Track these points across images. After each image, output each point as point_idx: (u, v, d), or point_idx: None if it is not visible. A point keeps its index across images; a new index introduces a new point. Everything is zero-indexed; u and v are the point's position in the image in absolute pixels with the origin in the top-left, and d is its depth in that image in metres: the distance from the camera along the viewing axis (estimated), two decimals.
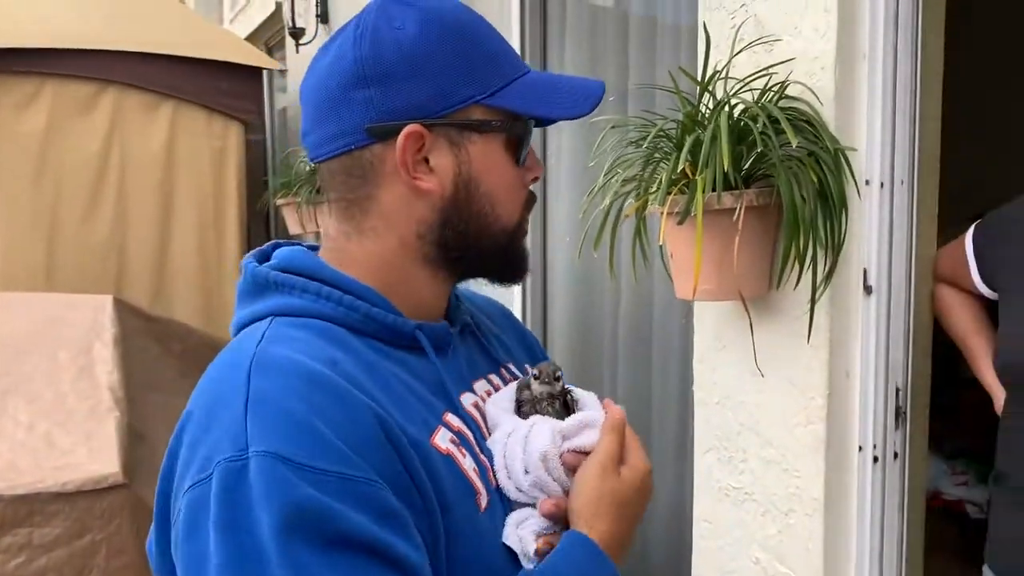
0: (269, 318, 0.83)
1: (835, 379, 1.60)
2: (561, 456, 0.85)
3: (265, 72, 4.94)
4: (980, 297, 1.60)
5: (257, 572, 0.67)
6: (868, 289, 1.58)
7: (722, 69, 1.61)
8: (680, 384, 2.25)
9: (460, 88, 0.84)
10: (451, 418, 0.84)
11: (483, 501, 0.82)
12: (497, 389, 0.95)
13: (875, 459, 1.62)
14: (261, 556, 0.67)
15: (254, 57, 4.74)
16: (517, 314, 2.83)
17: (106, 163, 4.40)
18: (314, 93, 0.86)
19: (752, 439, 1.76)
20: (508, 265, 0.93)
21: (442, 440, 0.81)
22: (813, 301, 1.53)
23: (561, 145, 2.75)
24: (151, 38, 4.44)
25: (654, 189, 1.55)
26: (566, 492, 0.85)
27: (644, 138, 1.62)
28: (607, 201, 1.64)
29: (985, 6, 3.16)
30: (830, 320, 1.58)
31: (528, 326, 2.79)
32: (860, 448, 1.62)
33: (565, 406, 0.92)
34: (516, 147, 0.88)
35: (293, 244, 0.93)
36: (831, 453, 1.62)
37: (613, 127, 1.72)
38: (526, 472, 0.84)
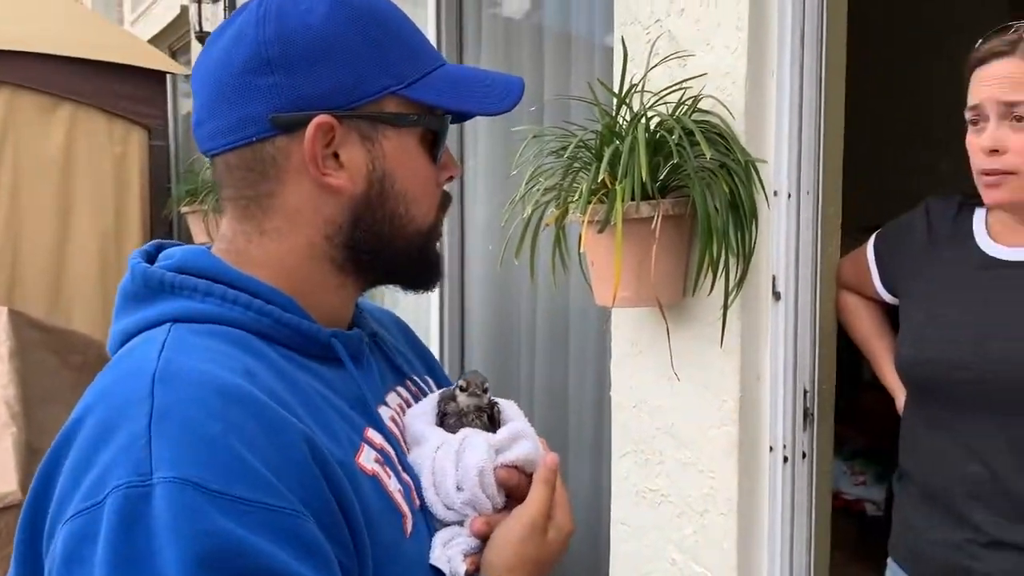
0: (167, 324, 0.72)
1: (747, 382, 1.66)
2: (494, 471, 0.81)
3: (169, 76, 4.81)
4: (882, 302, 1.68)
5: None
6: (777, 295, 1.65)
7: (638, 82, 1.66)
8: (597, 389, 2.29)
9: (374, 77, 0.77)
10: (372, 435, 0.78)
11: (409, 525, 0.76)
12: (408, 403, 0.90)
13: (785, 459, 1.69)
14: None
15: (158, 61, 4.61)
16: (434, 323, 2.83)
17: (0, 162, 4.20)
18: (210, 78, 0.77)
19: (668, 442, 1.81)
20: (422, 270, 0.86)
21: (367, 460, 0.74)
22: (726, 307, 1.59)
23: (478, 152, 2.77)
24: (47, 38, 4.26)
25: (575, 198, 1.58)
26: (496, 509, 0.81)
27: (564, 148, 1.65)
28: (529, 210, 1.66)
29: (886, 28, 3.33)
30: (741, 325, 1.64)
31: (446, 334, 2.80)
32: (771, 448, 1.68)
33: (491, 419, 0.87)
34: (433, 143, 0.82)
35: (180, 244, 0.84)
36: (744, 454, 1.68)
37: (534, 137, 1.74)
38: (459, 489, 0.79)
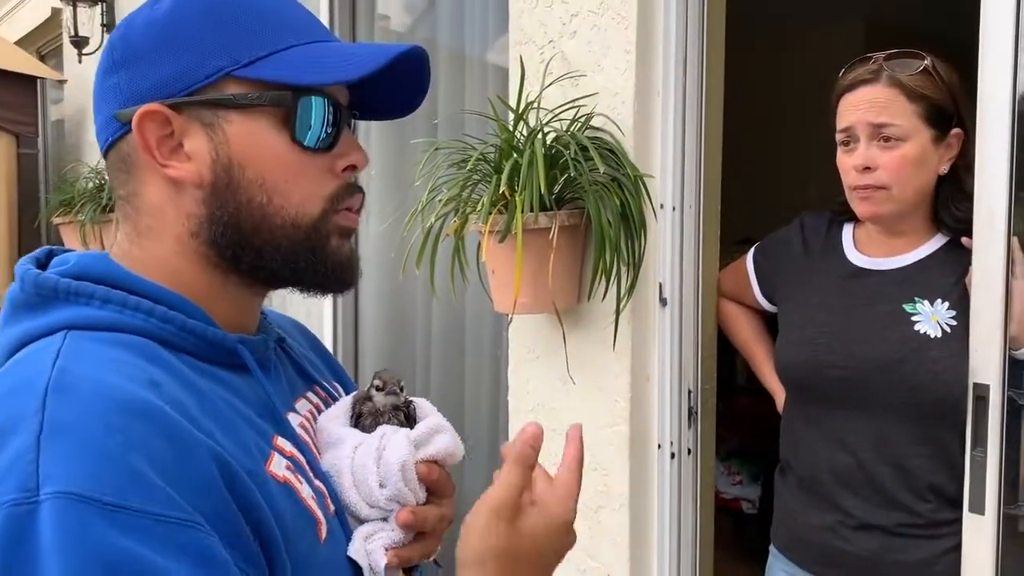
0: (61, 332, 0.68)
1: (637, 383, 1.76)
2: (415, 467, 0.80)
3: (39, 81, 4.61)
4: (760, 310, 1.81)
5: None
6: (663, 301, 1.76)
7: (534, 100, 1.74)
8: (494, 395, 2.35)
9: (207, 60, 0.72)
10: (282, 443, 0.75)
11: (323, 531, 0.73)
12: (318, 408, 0.87)
13: (672, 455, 1.80)
14: None
15: (30, 66, 4.42)
16: (328, 331, 2.83)
17: None
18: (93, 88, 0.79)
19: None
20: (312, 270, 0.77)
21: (277, 468, 0.72)
22: (617, 312, 1.68)
23: (372, 162, 2.80)
24: None
25: (478, 209, 1.65)
26: (419, 503, 0.80)
27: (465, 161, 1.72)
28: (431, 220, 1.72)
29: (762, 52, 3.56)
30: (632, 330, 1.74)
31: (340, 342, 2.81)
32: (659, 446, 1.79)
33: (407, 417, 0.86)
34: (290, 123, 0.75)
35: (73, 251, 0.80)
36: (634, 451, 1.78)
37: (436, 149, 1.80)
38: (381, 487, 0.78)
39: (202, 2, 0.74)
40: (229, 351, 0.75)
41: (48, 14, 5.02)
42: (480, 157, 1.70)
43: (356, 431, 0.83)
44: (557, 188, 1.68)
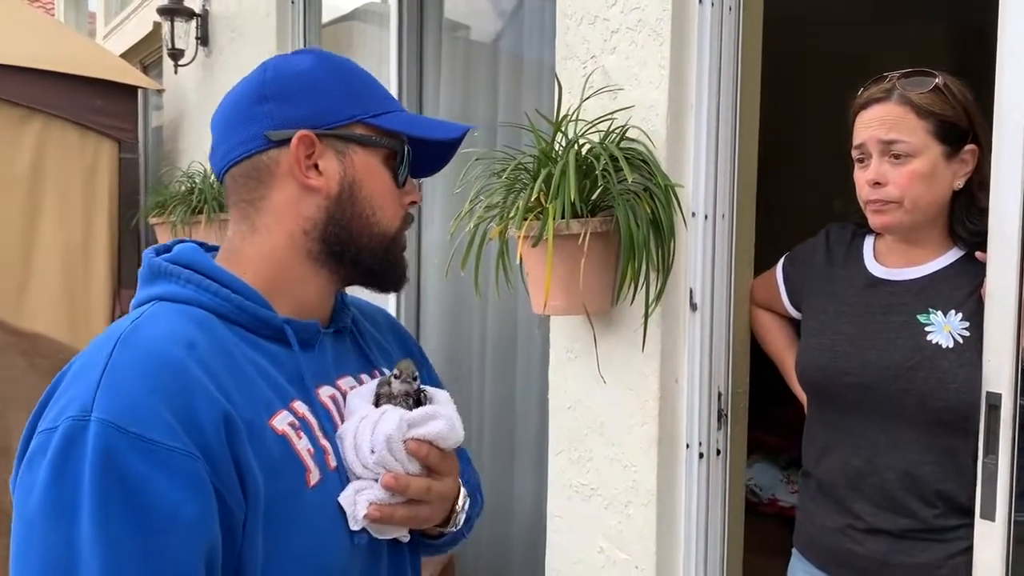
0: (154, 301, 0.95)
1: (666, 384, 1.83)
2: (406, 442, 0.97)
3: (140, 91, 4.92)
4: (791, 320, 1.86)
5: (67, 519, 0.79)
6: (694, 306, 1.83)
7: (573, 112, 1.83)
8: (539, 392, 2.45)
9: (345, 108, 1.00)
10: (298, 405, 0.95)
11: (312, 478, 0.92)
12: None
13: (700, 455, 1.87)
14: (75, 505, 0.79)
15: (132, 76, 4.72)
16: None
17: None
18: (223, 116, 1.02)
19: (597, 440, 1.97)
20: (386, 271, 1.05)
21: (280, 422, 0.92)
22: (646, 316, 1.76)
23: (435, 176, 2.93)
24: (19, 51, 4.37)
25: (512, 215, 1.75)
26: (409, 473, 0.97)
27: (505, 170, 1.82)
28: (472, 225, 1.83)
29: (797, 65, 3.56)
30: (661, 333, 1.81)
31: None
32: (688, 445, 1.86)
33: (418, 403, 1.03)
34: (395, 163, 1.03)
35: (198, 246, 1.04)
36: (663, 450, 1.85)
37: (477, 159, 1.91)
38: (372, 452, 0.96)
39: (334, 64, 1.03)
40: (276, 328, 0.98)
41: (150, 28, 5.35)
42: (519, 166, 1.81)
43: (369, 406, 1.01)
44: (594, 196, 1.77)
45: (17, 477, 0.87)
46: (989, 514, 1.42)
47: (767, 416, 3.11)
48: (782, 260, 1.82)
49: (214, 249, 1.06)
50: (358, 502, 0.95)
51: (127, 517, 0.80)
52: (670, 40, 1.78)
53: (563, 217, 1.69)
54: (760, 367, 1.95)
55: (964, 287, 1.48)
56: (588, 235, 1.70)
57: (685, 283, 1.82)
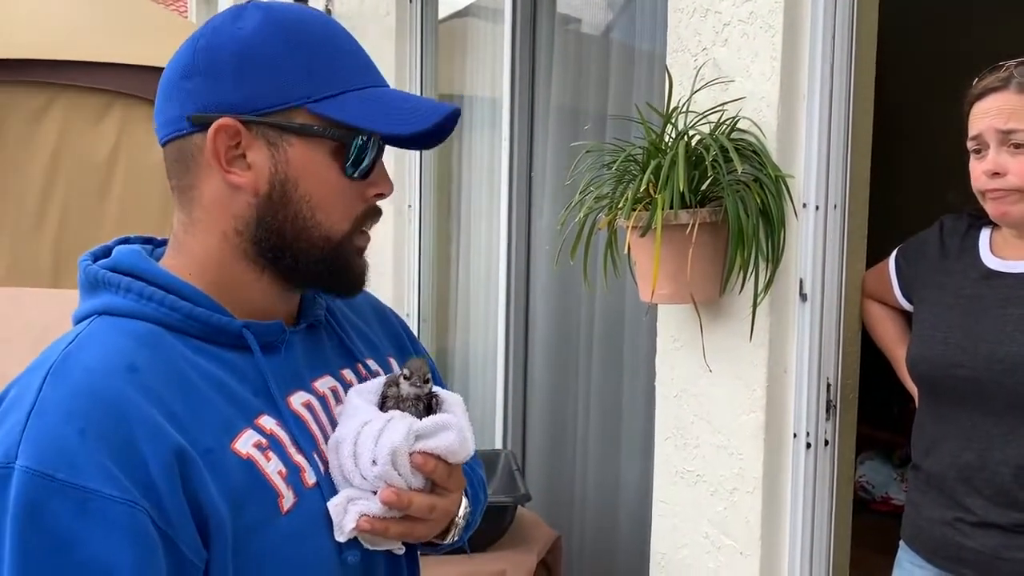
0: (93, 316, 0.84)
1: (773, 374, 1.85)
2: (411, 456, 0.86)
3: None
4: (903, 312, 1.84)
5: None
6: (804, 296, 1.84)
7: (683, 104, 1.87)
8: (646, 380, 2.49)
9: (282, 90, 0.83)
10: (264, 421, 0.84)
11: (286, 503, 0.82)
12: (349, 384, 0.95)
13: (808, 445, 1.88)
14: None
15: None
16: (501, 322, 3.07)
17: (113, 171, 4.62)
18: (161, 80, 0.88)
19: (704, 427, 2.01)
20: (334, 276, 0.90)
21: (244, 445, 0.81)
22: (755, 305, 1.78)
23: (547, 164, 3.01)
24: (160, 53, 4.67)
25: (621, 205, 1.80)
26: (412, 488, 0.87)
27: (615, 161, 1.88)
28: (581, 215, 1.89)
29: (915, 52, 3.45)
30: (770, 322, 1.83)
31: (510, 328, 3.04)
32: (795, 435, 1.87)
33: (428, 408, 0.92)
34: (343, 156, 0.86)
35: (146, 241, 0.94)
36: (770, 439, 1.87)
37: (588, 151, 1.97)
38: (373, 463, 0.85)
39: (284, 32, 0.84)
40: (235, 335, 0.86)
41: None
42: (629, 158, 1.85)
43: (373, 408, 0.90)
44: (703, 187, 1.80)
45: None
46: None
47: (881, 412, 3.05)
48: (895, 252, 1.80)
49: (165, 243, 0.94)
50: (349, 511, 0.85)
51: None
52: (782, 31, 1.79)
53: (672, 207, 1.73)
54: (874, 361, 1.93)
55: None
56: (697, 225, 1.73)
57: (795, 273, 1.83)
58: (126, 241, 0.93)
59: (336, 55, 0.86)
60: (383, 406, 0.91)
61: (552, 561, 2.46)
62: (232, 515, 0.78)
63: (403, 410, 0.90)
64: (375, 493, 0.85)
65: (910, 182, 3.71)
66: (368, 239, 0.93)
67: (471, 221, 3.50)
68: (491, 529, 2.30)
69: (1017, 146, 1.46)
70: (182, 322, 0.84)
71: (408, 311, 3.66)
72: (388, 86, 0.91)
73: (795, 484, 1.87)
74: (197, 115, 0.83)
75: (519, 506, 2.41)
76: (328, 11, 4.06)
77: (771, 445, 1.87)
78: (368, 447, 0.85)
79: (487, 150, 3.34)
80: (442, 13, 3.74)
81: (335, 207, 0.87)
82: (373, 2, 3.80)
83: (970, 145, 1.52)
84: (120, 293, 0.84)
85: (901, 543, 1.72)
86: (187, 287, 0.85)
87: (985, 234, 1.62)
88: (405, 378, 0.91)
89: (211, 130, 0.83)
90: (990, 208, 1.52)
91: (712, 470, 1.99)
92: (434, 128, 0.88)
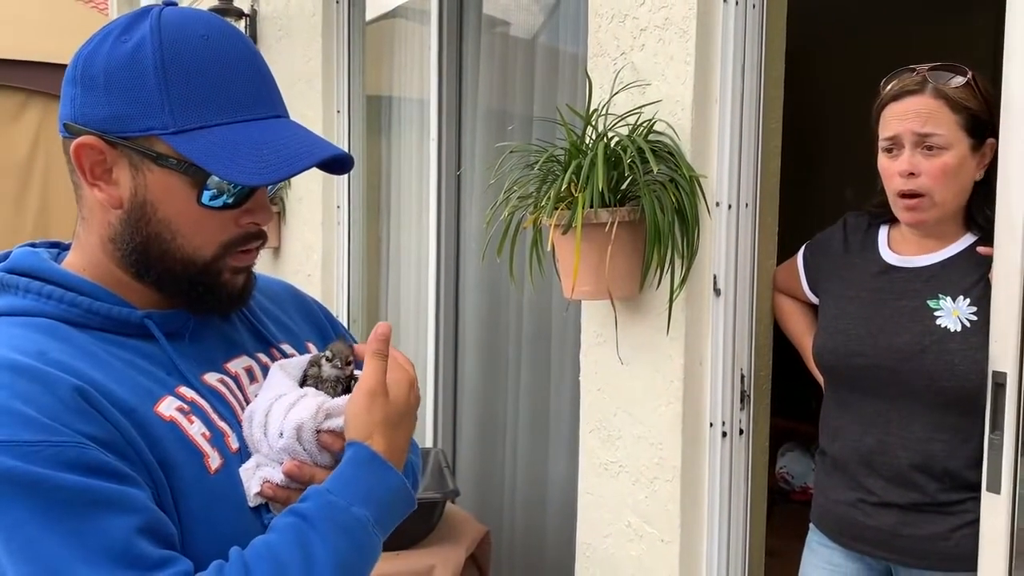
0: None
1: (690, 366, 1.92)
2: (320, 433, 0.89)
3: None
4: (811, 306, 1.93)
5: None
6: (717, 291, 1.91)
7: (602, 107, 1.93)
8: (573, 375, 2.55)
9: (144, 117, 0.84)
10: (184, 390, 0.88)
11: (213, 464, 0.86)
12: (265, 366, 0.99)
13: (724, 434, 1.96)
14: None
15: None
16: (431, 316, 3.10)
17: (32, 169, 4.51)
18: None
19: (625, 419, 2.07)
20: (201, 296, 0.92)
21: (166, 408, 0.85)
22: (671, 301, 1.85)
23: (475, 164, 3.05)
24: (70, 49, 4.57)
25: (543, 204, 1.85)
26: (317, 465, 0.90)
27: (538, 162, 1.93)
28: (506, 213, 1.94)
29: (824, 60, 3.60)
30: (686, 317, 1.90)
31: (440, 327, 3.07)
32: (711, 424, 1.95)
33: (347, 390, 0.94)
34: (198, 190, 0.87)
35: (52, 245, 0.97)
36: (687, 429, 1.94)
37: (512, 152, 2.02)
38: (280, 435, 0.88)
39: (161, 55, 0.84)
40: (137, 325, 0.89)
41: None
42: (551, 158, 1.91)
43: (290, 383, 0.94)
44: (623, 187, 1.86)
45: None
46: (995, 487, 1.49)
47: (801, 404, 3.17)
48: (803, 248, 1.89)
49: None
50: (255, 477, 0.89)
51: (34, 512, 0.75)
52: (695, 37, 1.86)
53: (592, 206, 1.79)
54: (795, 355, 2.01)
55: (972, 274, 1.54)
56: (616, 223, 1.80)
57: (709, 269, 1.91)
58: (32, 247, 0.95)
59: (212, 84, 0.86)
60: (303, 384, 0.94)
61: (481, 555, 2.50)
62: (167, 473, 0.82)
63: (322, 390, 0.93)
64: (280, 463, 0.89)
65: (828, 182, 3.87)
66: (246, 260, 0.94)
67: (400, 221, 3.53)
68: (420, 525, 2.33)
69: (930, 148, 1.54)
70: (83, 316, 0.87)
71: (338, 311, 3.66)
72: (279, 116, 0.90)
73: (712, 472, 1.95)
74: (70, 124, 0.86)
75: (448, 502, 2.44)
76: (254, 11, 4.03)
77: (689, 435, 1.94)
78: (277, 419, 0.89)
79: (415, 150, 3.37)
80: (369, 14, 3.75)
81: (196, 234, 0.89)
82: (299, 2, 3.79)
83: (883, 144, 1.60)
84: (20, 294, 0.88)
85: (811, 525, 1.81)
86: (84, 283, 0.89)
87: (884, 231, 1.72)
88: (327, 359, 0.95)
89: (73, 145, 0.85)
90: (904, 216, 1.60)
91: (633, 461, 2.06)
92: (287, 176, 0.87)
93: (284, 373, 0.94)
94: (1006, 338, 1.46)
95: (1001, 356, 1.47)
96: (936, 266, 1.59)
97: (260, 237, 0.94)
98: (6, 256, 0.93)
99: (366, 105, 3.71)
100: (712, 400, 1.94)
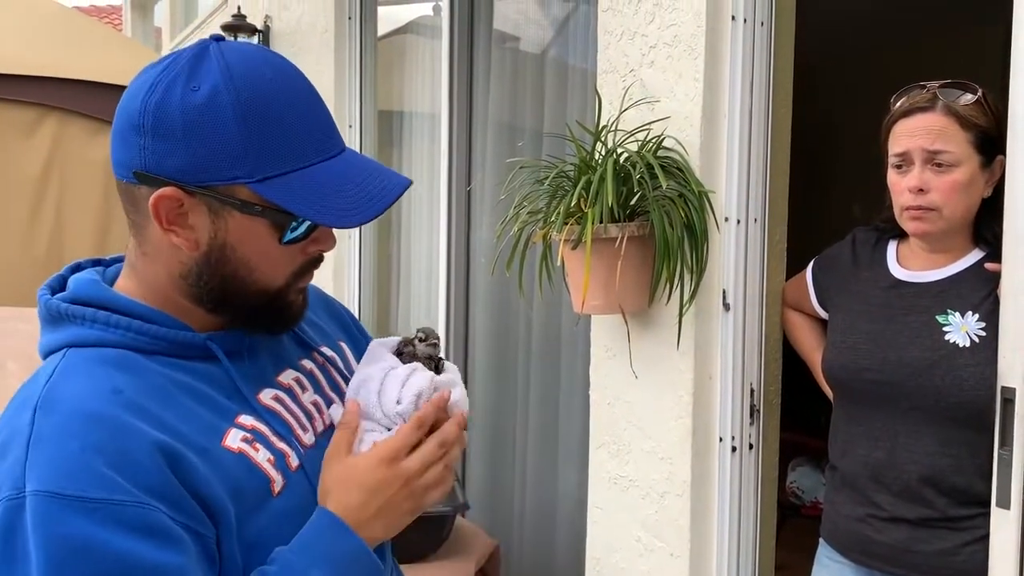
0: (64, 349, 0.88)
1: (700, 380, 1.93)
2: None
3: None
4: (820, 320, 1.93)
5: None
6: (727, 306, 1.92)
7: (612, 123, 1.95)
8: (583, 389, 2.56)
9: (228, 167, 0.84)
10: (244, 419, 0.91)
11: (277, 487, 0.90)
12: (310, 373, 1.03)
13: (733, 449, 1.96)
14: None
15: None
16: (441, 330, 3.12)
17: (46, 185, 4.55)
18: (116, 117, 0.88)
19: (635, 433, 2.08)
20: (271, 319, 0.96)
21: (233, 441, 0.88)
22: (680, 315, 1.86)
23: (485, 179, 3.07)
24: (94, 67, 4.62)
25: (553, 219, 1.87)
26: None
27: (548, 177, 1.94)
28: (515, 229, 1.95)
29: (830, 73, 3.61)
30: (695, 331, 1.91)
31: (450, 340, 3.09)
32: (721, 439, 1.95)
33: (436, 369, 1.03)
34: (282, 230, 0.89)
35: (95, 263, 0.98)
36: (697, 443, 1.95)
37: (522, 167, 2.03)
38: (398, 403, 0.96)
39: (236, 102, 0.84)
40: (200, 348, 0.92)
41: None
42: (561, 174, 1.93)
43: (395, 358, 1.02)
44: (632, 202, 1.87)
45: None
46: (1004, 503, 1.49)
47: (811, 419, 3.16)
48: (811, 263, 1.90)
49: (117, 260, 0.99)
50: (364, 440, 0.96)
51: None
52: (704, 55, 1.88)
53: (601, 221, 1.80)
54: (804, 370, 2.02)
55: (981, 290, 1.55)
56: (625, 238, 1.81)
57: (718, 284, 1.92)
58: (78, 268, 0.97)
59: (289, 128, 0.87)
60: (399, 358, 1.02)
61: (490, 569, 2.51)
62: (234, 503, 0.85)
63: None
64: (388, 429, 0.96)
65: (837, 196, 3.88)
66: (311, 279, 0.98)
67: (411, 234, 3.55)
68: (430, 539, 2.33)
69: (940, 165, 1.55)
70: (150, 343, 0.89)
71: None
72: (344, 150, 0.92)
73: (722, 486, 1.95)
74: (142, 173, 0.86)
75: (458, 516, 2.45)
76: (267, 27, 4.08)
77: (698, 449, 1.95)
78: (395, 387, 0.97)
79: (426, 164, 3.39)
80: (381, 30, 3.79)
81: (273, 268, 0.92)
82: (312, 19, 3.83)
83: (893, 161, 1.60)
84: (86, 324, 0.89)
85: (820, 540, 1.81)
86: (148, 310, 0.90)
87: (892, 246, 1.72)
88: (420, 340, 1.03)
89: (153, 198, 0.85)
90: (910, 227, 1.60)
91: (643, 475, 2.06)
92: (377, 214, 0.89)
93: (385, 349, 1.02)
94: (1015, 353, 1.46)
95: (1009, 372, 1.47)
96: (945, 281, 1.60)
97: (320, 261, 0.97)
98: (59, 282, 0.95)
99: (378, 120, 3.75)
100: (722, 415, 1.94)
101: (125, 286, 0.94)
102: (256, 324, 0.96)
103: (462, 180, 3.13)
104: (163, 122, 0.84)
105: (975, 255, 1.60)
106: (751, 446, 1.99)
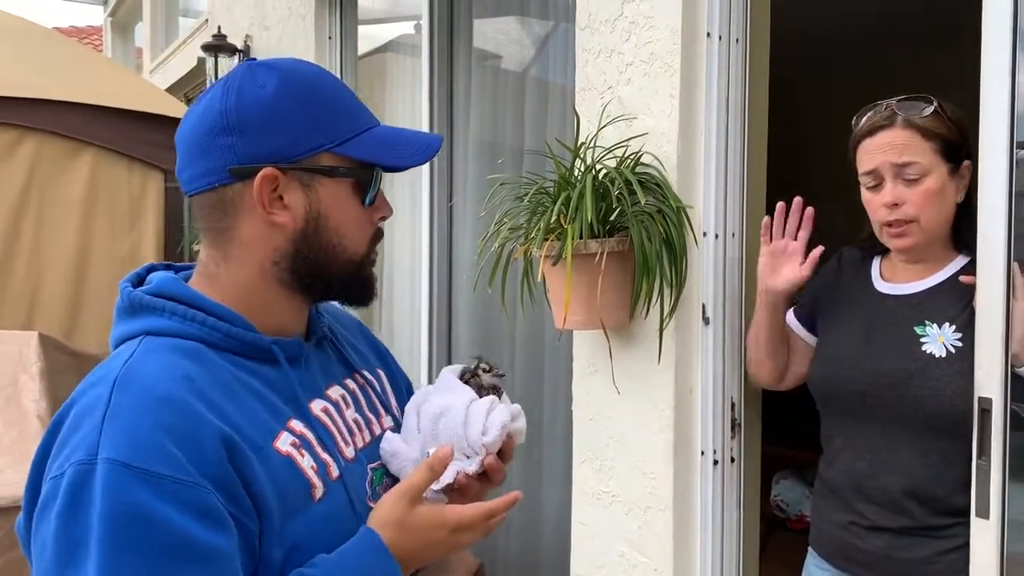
0: (141, 336, 0.95)
1: (680, 394, 1.94)
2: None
3: None
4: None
5: (79, 560, 0.81)
6: (706, 320, 1.93)
7: (590, 140, 1.96)
8: (566, 405, 2.56)
9: (310, 138, 0.97)
10: (295, 424, 0.99)
11: (318, 493, 0.97)
12: (352, 392, 1.11)
13: (715, 462, 1.97)
14: (86, 544, 0.81)
15: (175, 108, 4.94)
16: (423, 346, 3.11)
17: (24, 207, 4.52)
18: (187, 137, 0.99)
19: (618, 448, 2.08)
20: (356, 289, 1.06)
21: (283, 444, 0.96)
22: (661, 330, 1.87)
23: (467, 195, 3.08)
24: (72, 87, 4.61)
25: (533, 235, 1.88)
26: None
27: (528, 194, 1.95)
28: (496, 245, 1.96)
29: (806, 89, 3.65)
30: (676, 345, 1.92)
31: (433, 357, 3.08)
32: (702, 453, 1.96)
33: (499, 398, 1.12)
34: (363, 189, 1.02)
35: (167, 267, 1.07)
36: (679, 457, 1.95)
37: (502, 184, 2.04)
38: (483, 434, 1.05)
39: (297, 92, 0.98)
40: (265, 350, 1.01)
41: (195, 63, 5.60)
42: (541, 190, 1.94)
43: (471, 389, 1.11)
44: (612, 218, 1.89)
45: (25, 523, 0.91)
46: (984, 512, 1.50)
47: (793, 432, 3.18)
48: (791, 311, 1.84)
49: (185, 268, 1.08)
50: (448, 468, 1.02)
51: (139, 550, 0.82)
52: (680, 72, 1.90)
53: (581, 237, 1.81)
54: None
55: (958, 302, 1.57)
56: (605, 254, 1.82)
57: (698, 298, 1.93)
58: (152, 268, 1.06)
59: (344, 103, 1.02)
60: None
61: None
62: (278, 503, 0.92)
63: (483, 395, 1.10)
64: (468, 457, 1.05)
65: (817, 211, 3.90)
66: (377, 255, 1.08)
67: (394, 250, 3.55)
68: None
69: (910, 178, 1.57)
70: (222, 340, 0.98)
71: None
72: (379, 123, 1.06)
73: (704, 500, 1.96)
74: (237, 167, 0.96)
75: None
76: (247, 47, 4.08)
77: (680, 463, 1.95)
78: (479, 419, 1.05)
79: (408, 181, 3.40)
80: (362, 49, 3.80)
81: (357, 232, 1.03)
82: (292, 39, 3.84)
83: (865, 180, 1.62)
84: (165, 316, 0.97)
85: (809, 548, 1.82)
86: (224, 309, 0.99)
87: (876, 262, 1.75)
88: (485, 371, 1.12)
89: (257, 180, 0.96)
90: (891, 243, 1.62)
91: (626, 490, 2.06)
92: (433, 155, 1.05)
93: (455, 377, 1.11)
94: (991, 364, 1.48)
95: (986, 382, 1.49)
96: (923, 293, 1.62)
97: (383, 233, 1.09)
98: (139, 276, 1.04)
99: None
100: (703, 428, 1.95)
101: (203, 290, 1.01)
102: (343, 296, 1.06)
103: (443, 197, 3.14)
104: (246, 117, 0.96)
105: (959, 262, 1.62)
106: (733, 459, 1.99)
